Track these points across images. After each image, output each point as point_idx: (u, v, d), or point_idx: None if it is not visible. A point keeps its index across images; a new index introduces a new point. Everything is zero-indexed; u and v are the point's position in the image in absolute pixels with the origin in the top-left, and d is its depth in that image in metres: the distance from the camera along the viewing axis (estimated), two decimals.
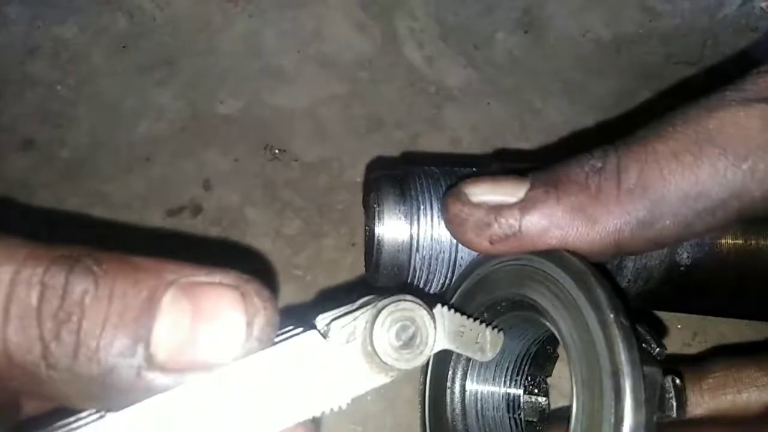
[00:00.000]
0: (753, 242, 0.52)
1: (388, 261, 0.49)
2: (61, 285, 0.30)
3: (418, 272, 0.50)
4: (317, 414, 0.34)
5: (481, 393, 0.52)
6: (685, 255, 0.50)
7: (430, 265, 0.49)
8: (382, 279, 0.51)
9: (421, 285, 0.51)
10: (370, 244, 0.50)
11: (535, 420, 0.55)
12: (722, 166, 0.41)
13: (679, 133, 0.42)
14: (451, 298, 0.51)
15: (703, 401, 0.52)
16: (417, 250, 0.49)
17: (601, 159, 0.44)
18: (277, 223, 0.85)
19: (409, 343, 0.35)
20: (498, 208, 0.44)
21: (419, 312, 0.36)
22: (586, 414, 0.38)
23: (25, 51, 0.95)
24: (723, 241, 0.51)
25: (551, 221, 0.43)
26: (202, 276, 0.32)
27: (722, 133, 0.42)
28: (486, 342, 0.43)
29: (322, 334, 0.35)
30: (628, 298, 0.52)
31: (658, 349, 0.41)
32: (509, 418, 0.54)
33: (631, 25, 1.02)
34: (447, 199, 0.47)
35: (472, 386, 0.52)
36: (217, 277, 0.32)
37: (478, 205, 0.45)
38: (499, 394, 0.54)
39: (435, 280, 0.51)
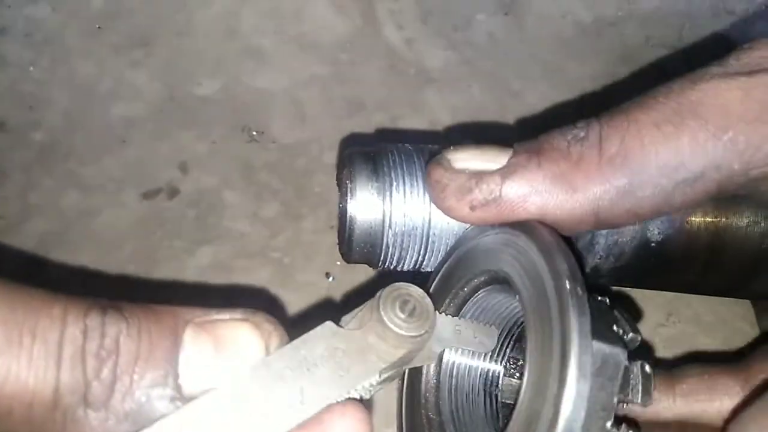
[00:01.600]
0: (723, 219, 0.52)
1: (360, 238, 0.49)
2: (99, 325, 0.32)
3: (390, 249, 0.49)
4: (352, 393, 0.36)
5: (458, 366, 0.51)
6: (656, 231, 0.51)
7: (402, 242, 0.49)
8: (354, 256, 0.50)
9: (394, 263, 0.51)
10: (343, 221, 0.49)
11: (512, 403, 0.54)
12: (703, 137, 0.42)
13: (662, 104, 0.43)
14: (434, 280, 0.51)
15: (675, 406, 0.53)
16: (389, 226, 0.49)
17: (584, 129, 0.44)
18: (255, 205, 0.84)
19: (413, 313, 0.40)
20: (480, 174, 0.45)
21: (413, 289, 0.41)
22: (535, 381, 0.38)
23: None
24: (693, 218, 0.52)
25: (532, 187, 0.43)
26: (213, 315, 0.35)
27: (704, 105, 0.42)
28: (482, 336, 0.47)
29: (337, 324, 0.39)
30: (601, 274, 0.53)
31: (631, 335, 0.41)
32: (485, 397, 0.53)
33: (611, 8, 1.02)
34: (430, 165, 0.47)
35: (449, 356, 0.51)
36: (227, 314, 0.36)
37: (460, 171, 0.45)
38: (476, 371, 0.53)
39: (408, 257, 0.51)
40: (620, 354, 0.39)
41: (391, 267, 0.52)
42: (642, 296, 0.77)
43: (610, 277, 0.53)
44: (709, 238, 0.52)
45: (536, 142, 0.45)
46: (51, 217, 0.81)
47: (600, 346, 0.38)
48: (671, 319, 0.78)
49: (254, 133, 0.89)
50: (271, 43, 0.97)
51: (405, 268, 0.52)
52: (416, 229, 0.49)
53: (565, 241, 0.42)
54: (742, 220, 0.51)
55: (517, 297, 0.43)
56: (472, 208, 0.45)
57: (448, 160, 0.46)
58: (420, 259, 0.51)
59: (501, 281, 0.46)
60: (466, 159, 0.46)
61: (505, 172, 0.44)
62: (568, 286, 0.38)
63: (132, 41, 0.95)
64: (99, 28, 0.96)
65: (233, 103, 0.92)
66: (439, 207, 0.47)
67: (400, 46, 0.98)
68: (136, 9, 0.98)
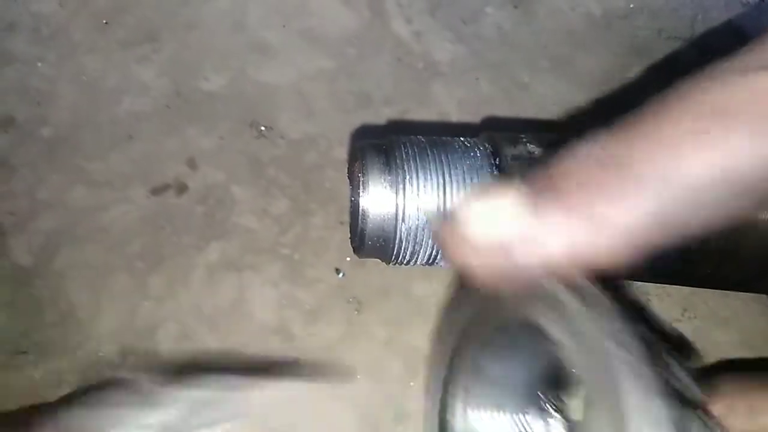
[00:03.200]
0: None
1: (373, 232, 0.48)
2: None
3: (404, 243, 0.49)
4: None
5: (484, 421, 0.48)
6: None
7: (416, 236, 0.49)
8: (367, 251, 0.50)
9: (407, 257, 0.50)
10: (355, 215, 0.49)
11: None
12: (739, 141, 0.35)
13: (689, 109, 0.37)
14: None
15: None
16: (402, 220, 0.48)
17: (599, 146, 0.38)
18: (264, 201, 0.84)
19: None
20: (503, 249, 0.39)
21: None
22: None
23: (3, 26, 0.93)
24: None
25: (558, 242, 0.37)
26: None
27: (740, 104, 0.36)
28: None
29: None
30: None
31: (694, 391, 0.38)
32: None
33: (622, 0, 1.00)
34: (443, 235, 0.41)
35: (473, 413, 0.47)
36: None
37: (483, 248, 0.39)
38: (505, 422, 0.49)
39: (421, 251, 0.50)
40: (689, 420, 0.36)
41: (404, 262, 0.51)
42: (658, 292, 0.76)
43: (626, 271, 0.52)
44: (726, 230, 0.51)
45: (547, 178, 0.39)
46: (59, 213, 0.81)
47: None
48: (687, 314, 0.77)
49: (262, 128, 0.89)
50: (277, 38, 0.96)
51: (418, 262, 0.51)
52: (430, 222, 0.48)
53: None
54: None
55: (561, 353, 0.39)
56: (503, 283, 0.40)
57: (464, 225, 0.40)
58: (434, 253, 0.50)
59: (534, 330, 0.41)
60: (480, 225, 0.39)
61: (527, 241, 0.38)
62: (626, 357, 0.34)
63: (139, 36, 0.95)
64: (106, 23, 0.95)
65: (240, 98, 0.91)
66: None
67: (408, 39, 0.97)
68: (142, 4, 0.97)
